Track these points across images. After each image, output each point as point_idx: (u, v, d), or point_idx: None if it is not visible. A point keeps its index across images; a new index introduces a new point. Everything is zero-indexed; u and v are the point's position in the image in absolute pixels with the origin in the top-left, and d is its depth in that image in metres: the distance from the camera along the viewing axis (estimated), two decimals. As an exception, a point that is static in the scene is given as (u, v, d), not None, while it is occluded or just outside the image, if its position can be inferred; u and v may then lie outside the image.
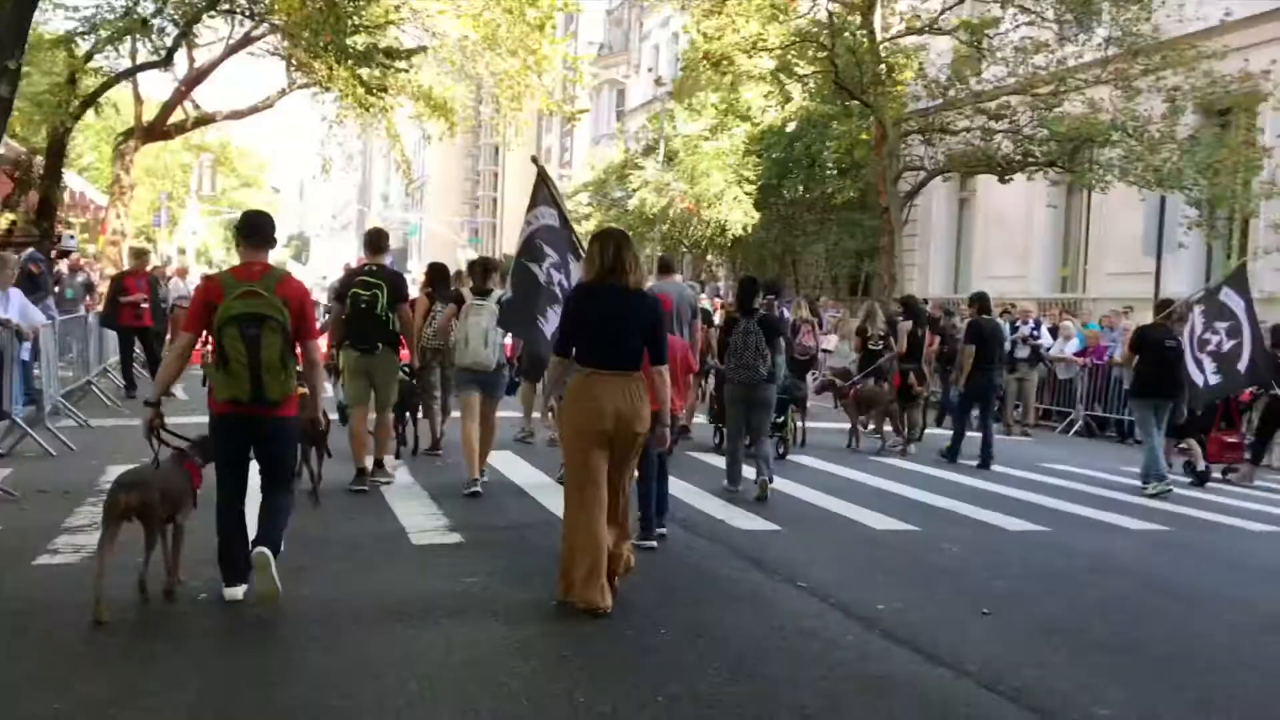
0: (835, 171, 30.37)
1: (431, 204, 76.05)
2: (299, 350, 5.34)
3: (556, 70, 26.34)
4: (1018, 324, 17.02)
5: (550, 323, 7.35)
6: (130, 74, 21.42)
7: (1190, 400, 11.36)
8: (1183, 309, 11.66)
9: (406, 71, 21.56)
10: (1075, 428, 17.11)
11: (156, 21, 19.83)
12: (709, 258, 34.02)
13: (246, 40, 23.90)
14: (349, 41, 19.03)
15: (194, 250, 47.91)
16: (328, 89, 21.32)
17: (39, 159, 20.26)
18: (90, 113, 22.07)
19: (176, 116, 25.69)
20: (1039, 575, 6.99)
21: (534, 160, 9.18)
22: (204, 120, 26.59)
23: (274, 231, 5.63)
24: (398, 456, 10.03)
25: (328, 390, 9.75)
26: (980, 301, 12.44)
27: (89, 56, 20.09)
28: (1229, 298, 11.18)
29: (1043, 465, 12.70)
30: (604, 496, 5.44)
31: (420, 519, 7.63)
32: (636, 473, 6.07)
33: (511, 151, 72.77)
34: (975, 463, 11.88)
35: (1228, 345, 10.93)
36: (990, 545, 7.78)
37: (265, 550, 5.21)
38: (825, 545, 7.42)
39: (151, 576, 5.33)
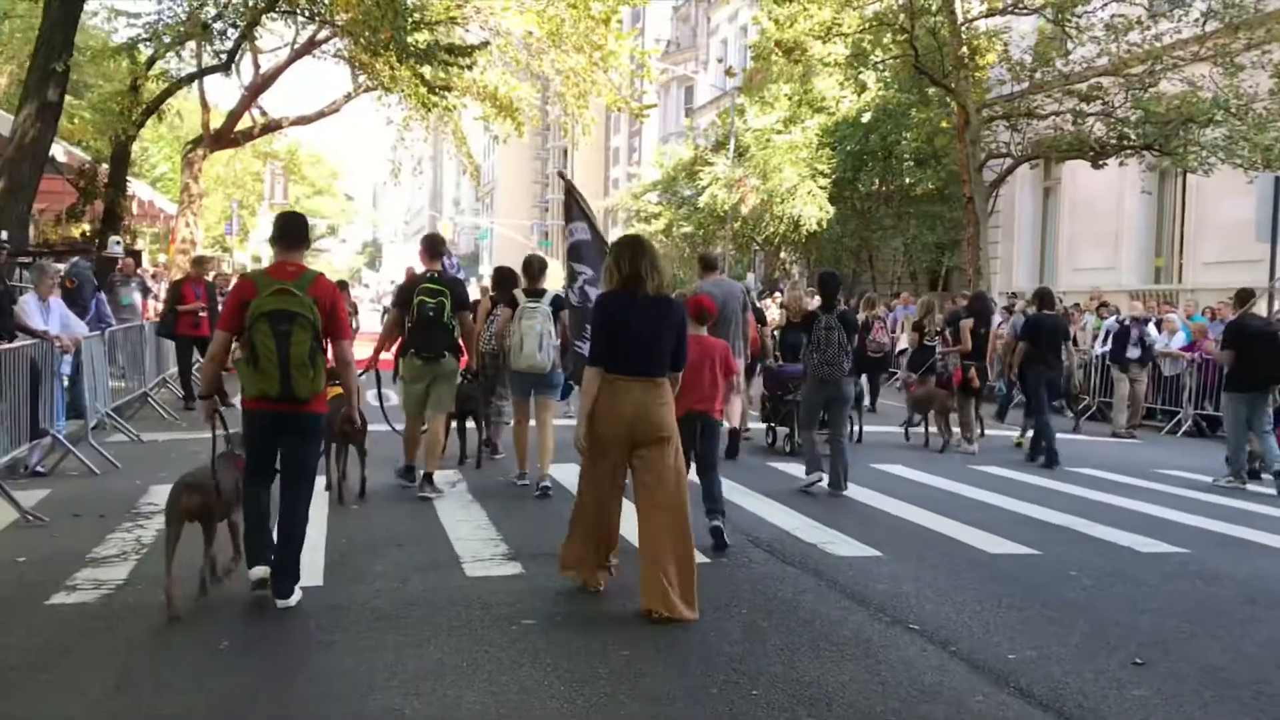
0: (912, 162, 29.22)
1: (501, 208, 75.91)
2: (330, 350, 5.49)
3: (624, 66, 25.54)
4: (1125, 322, 15.70)
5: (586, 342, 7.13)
6: (192, 79, 21.08)
7: None
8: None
9: (470, 69, 20.80)
10: (1184, 427, 15.83)
11: (217, 25, 19.43)
12: (782, 254, 32.92)
13: (311, 44, 23.55)
14: (410, 39, 18.38)
15: (268, 259, 48.00)
16: (390, 90, 20.75)
17: (104, 167, 19.94)
18: (161, 123, 21.80)
19: (244, 123, 25.55)
20: (1189, 610, 5.95)
21: (561, 175, 9.15)
22: (271, 126, 26.35)
23: (308, 233, 5.74)
24: (461, 462, 9.87)
25: (391, 398, 9.61)
26: (1041, 297, 12.18)
27: (151, 63, 19.76)
28: None
29: (1157, 471, 11.58)
30: (617, 498, 5.64)
31: (476, 545, 6.84)
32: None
33: (580, 151, 72.61)
34: (1040, 461, 11.45)
35: None
36: (1123, 571, 6.75)
37: (287, 602, 5.38)
38: (935, 575, 6.45)
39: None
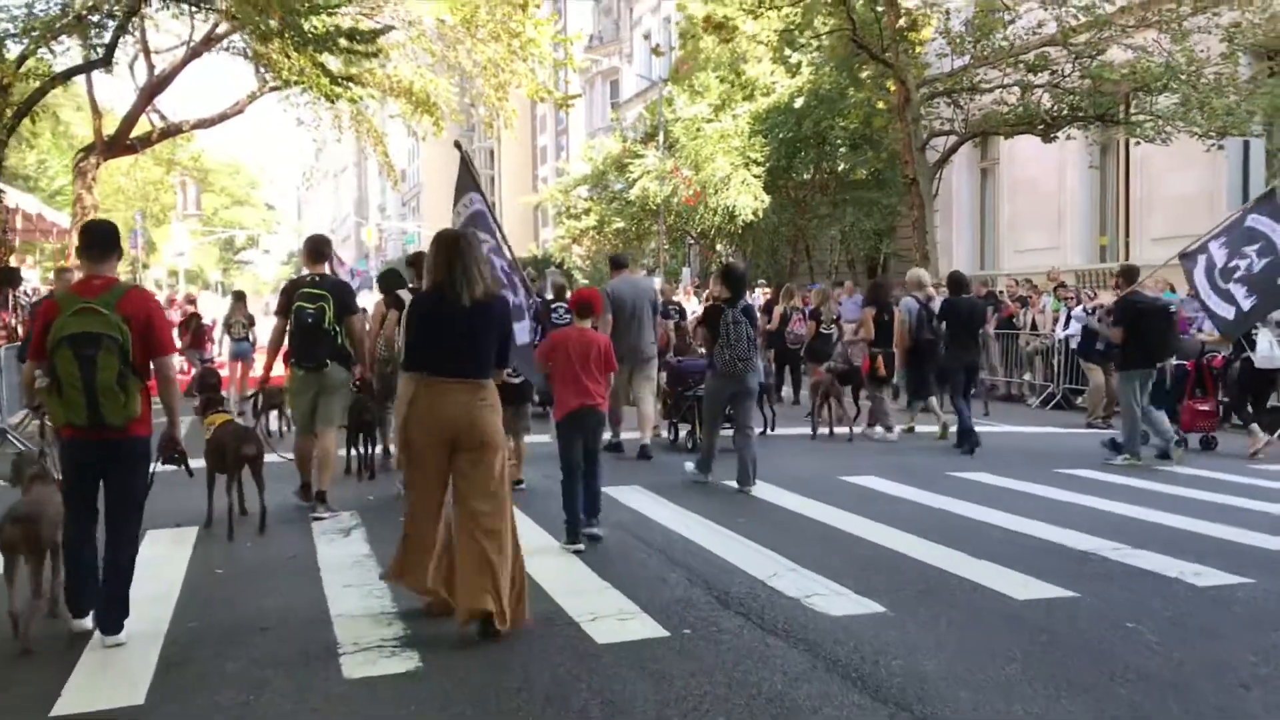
0: (847, 148, 27.94)
1: (428, 211, 73.68)
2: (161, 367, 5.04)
3: (545, 54, 23.88)
4: (1093, 312, 14.37)
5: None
6: (68, 76, 19.02)
7: (1225, 329, 10.66)
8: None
9: (374, 56, 18.99)
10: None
11: (94, 17, 17.43)
12: (718, 247, 31.46)
13: (209, 41, 21.58)
14: (304, 24, 16.52)
15: (184, 273, 45.49)
16: (290, 83, 18.85)
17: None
18: (35, 125, 19.65)
19: (142, 128, 23.49)
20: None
21: (457, 145, 8.44)
22: (170, 131, 24.34)
23: (118, 241, 5.17)
24: (359, 478, 9.28)
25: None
26: (956, 282, 11.96)
27: (21, 60, 17.65)
28: (1258, 222, 10.14)
29: (1160, 470, 10.19)
30: (441, 503, 5.19)
31: (363, 624, 5.19)
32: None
33: (506, 149, 70.65)
34: (961, 450, 10.98)
35: (1260, 264, 9.97)
36: (1188, 617, 5.26)
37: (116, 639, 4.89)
38: (960, 639, 4.91)
39: None
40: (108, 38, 17.99)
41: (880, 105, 23.86)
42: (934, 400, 12.39)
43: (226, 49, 22.33)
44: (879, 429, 12.19)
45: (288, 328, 7.78)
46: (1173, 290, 14.69)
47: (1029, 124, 19.29)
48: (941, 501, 8.30)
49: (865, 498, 8.51)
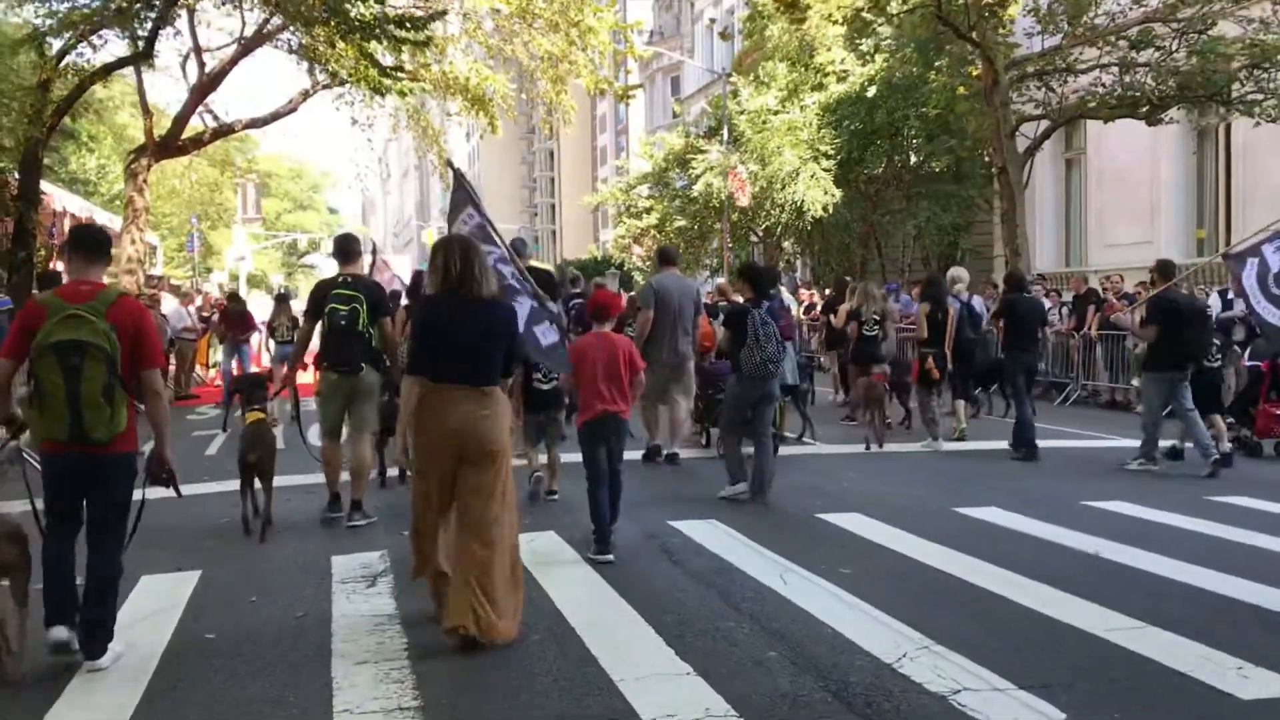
0: (922, 139, 26.28)
1: (490, 214, 72.94)
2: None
3: (605, 44, 22.63)
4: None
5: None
6: (108, 71, 18.10)
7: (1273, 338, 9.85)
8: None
9: (425, 45, 17.84)
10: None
11: (136, 7, 16.48)
12: (785, 245, 29.96)
13: (259, 37, 20.69)
14: (350, 10, 15.40)
15: (245, 277, 45.00)
16: (336, 75, 17.78)
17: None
18: (76, 124, 18.79)
19: (194, 130, 22.70)
20: None
21: (449, 164, 8.91)
22: (223, 131, 23.43)
23: (108, 246, 4.95)
24: (381, 485, 8.72)
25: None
26: (1014, 278, 11.47)
27: (62, 56, 16.76)
28: None
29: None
30: (447, 514, 5.01)
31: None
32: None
33: (565, 150, 69.66)
34: (1017, 455, 10.42)
35: None
36: None
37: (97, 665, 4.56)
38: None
39: None
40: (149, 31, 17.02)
41: (961, 90, 22.20)
42: (962, 404, 12.03)
43: (277, 46, 21.56)
44: (928, 438, 11.23)
45: (318, 329, 7.52)
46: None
47: (1131, 106, 17.56)
48: (1085, 542, 6.80)
49: (990, 536, 7.05)
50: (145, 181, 21.83)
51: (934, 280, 12.37)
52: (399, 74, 18.24)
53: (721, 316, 9.26)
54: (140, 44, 17.31)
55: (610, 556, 6.28)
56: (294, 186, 63.17)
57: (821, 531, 7.20)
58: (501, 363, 5.06)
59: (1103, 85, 18.11)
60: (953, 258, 29.16)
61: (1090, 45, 18.07)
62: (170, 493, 4.86)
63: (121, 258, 21.66)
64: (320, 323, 7.44)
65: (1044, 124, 19.36)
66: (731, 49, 35.96)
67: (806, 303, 24.01)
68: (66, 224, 20.94)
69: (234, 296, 17.63)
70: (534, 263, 10.55)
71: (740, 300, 8.81)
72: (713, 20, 40.23)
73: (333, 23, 15.05)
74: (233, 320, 16.41)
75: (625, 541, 6.75)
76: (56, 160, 31.19)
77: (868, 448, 11.02)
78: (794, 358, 10.98)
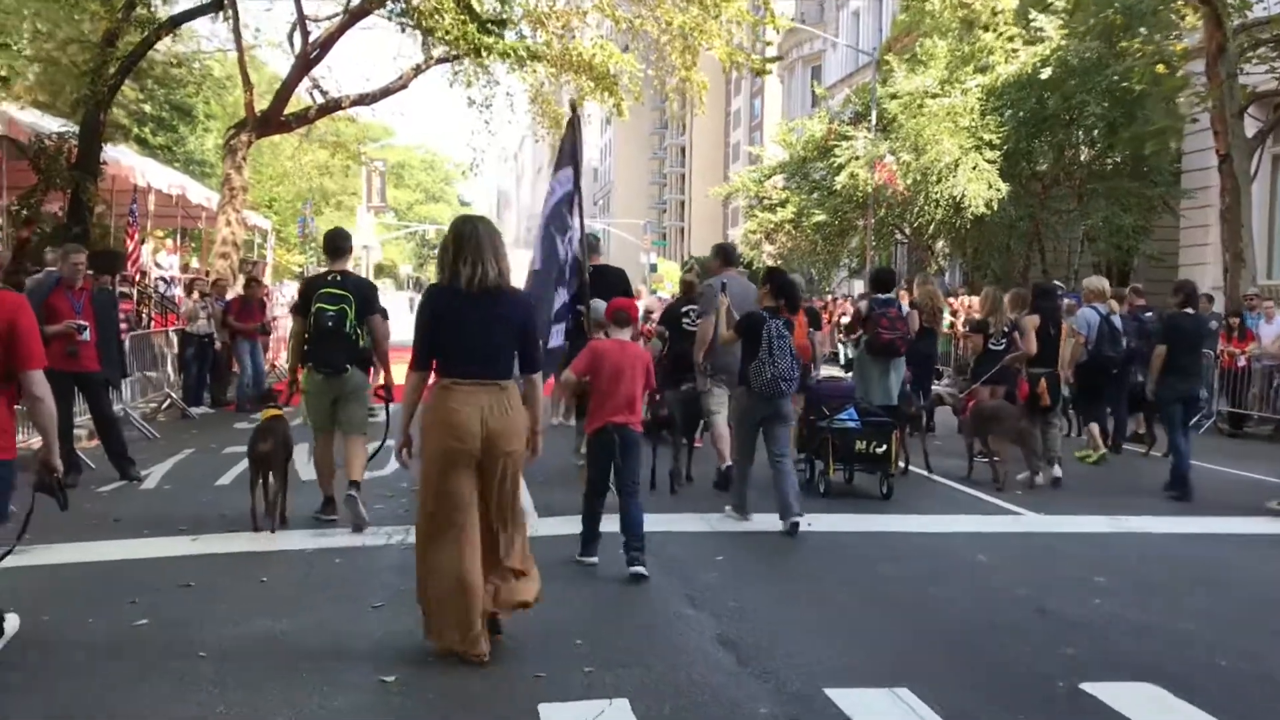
0: (1101, 128, 22.33)
1: (619, 209, 70.59)
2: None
3: (741, 14, 19.58)
4: None
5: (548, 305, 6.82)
6: (176, 23, 15.82)
7: None
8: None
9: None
10: None
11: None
12: (938, 245, 26.32)
13: (364, 9, 18.36)
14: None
15: (372, 266, 43.35)
16: (433, 32, 15.15)
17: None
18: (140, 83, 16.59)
19: (300, 106, 20.62)
20: None
21: (572, 105, 8.20)
22: (329, 108, 21.14)
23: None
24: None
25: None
26: (1185, 292, 9.65)
27: (130, 8, 14.50)
28: None
29: None
30: (470, 529, 4.50)
31: None
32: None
33: (697, 144, 66.68)
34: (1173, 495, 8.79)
35: None
36: None
37: None
38: None
39: None
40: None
41: (1160, 69, 18.36)
42: (1095, 426, 10.85)
43: (386, 17, 19.25)
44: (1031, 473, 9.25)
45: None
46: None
47: None
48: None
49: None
50: (244, 159, 19.75)
51: (1046, 290, 10.91)
52: (499, 28, 15.44)
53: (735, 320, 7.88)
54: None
55: (595, 559, 6.01)
56: (426, 178, 61.76)
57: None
58: (516, 354, 4.67)
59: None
60: (1127, 264, 25.14)
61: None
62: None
63: (216, 239, 19.71)
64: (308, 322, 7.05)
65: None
66: (879, 35, 32.34)
67: (964, 315, 20.51)
68: (151, 200, 18.93)
69: (253, 280, 14.93)
70: (604, 262, 9.40)
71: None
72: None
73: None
74: (249, 310, 13.92)
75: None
76: (172, 139, 29.76)
77: (999, 484, 8.93)
78: (900, 373, 9.66)
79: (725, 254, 9.30)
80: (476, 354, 4.51)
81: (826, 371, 12.08)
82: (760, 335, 7.18)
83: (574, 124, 7.36)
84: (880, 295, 9.81)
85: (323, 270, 7.33)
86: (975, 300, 21.63)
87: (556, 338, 6.64)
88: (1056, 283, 14.32)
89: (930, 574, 6.11)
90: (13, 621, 4.65)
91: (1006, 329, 10.22)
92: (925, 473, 9.45)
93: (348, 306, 6.91)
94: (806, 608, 5.41)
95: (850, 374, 12.12)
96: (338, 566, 6.14)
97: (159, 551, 6.48)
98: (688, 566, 6.17)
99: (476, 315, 4.50)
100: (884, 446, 8.33)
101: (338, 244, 7.34)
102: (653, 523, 7.15)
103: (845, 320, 23.55)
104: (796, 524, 6.97)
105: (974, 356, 10.78)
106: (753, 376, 7.21)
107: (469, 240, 4.49)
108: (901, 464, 9.06)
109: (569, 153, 7.13)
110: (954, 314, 20.79)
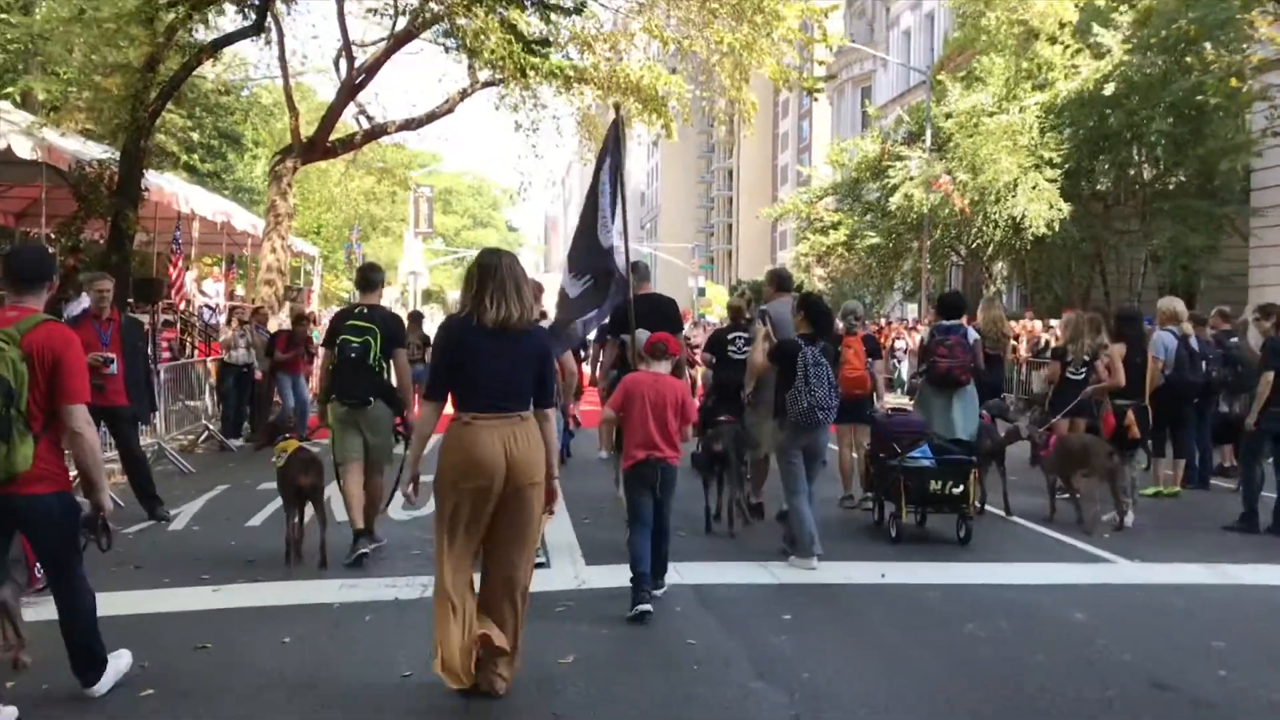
0: (1165, 146, 21.47)
1: (666, 234, 70.16)
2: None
3: (795, 34, 19.08)
4: None
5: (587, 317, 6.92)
6: (217, 47, 15.52)
7: None
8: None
9: (578, 11, 14.61)
10: None
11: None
12: (997, 267, 25.49)
13: (410, 33, 18.10)
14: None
15: (419, 291, 43.21)
16: (478, 54, 14.74)
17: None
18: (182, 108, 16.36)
19: (345, 131, 20.44)
20: None
21: (616, 107, 8.22)
22: (375, 133, 20.92)
23: (47, 269, 4.50)
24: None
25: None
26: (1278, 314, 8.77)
27: (171, 32, 14.23)
28: None
29: None
30: (475, 563, 4.48)
31: None
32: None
33: (744, 168, 66.13)
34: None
35: None
36: None
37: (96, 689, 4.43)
38: None
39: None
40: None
41: (1234, 82, 17.55)
42: (1161, 462, 10.03)
43: (431, 40, 18.99)
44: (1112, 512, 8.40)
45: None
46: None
47: None
48: None
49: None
50: (290, 185, 19.52)
51: (1131, 316, 10.37)
52: (544, 49, 14.99)
53: (767, 348, 7.42)
54: (249, 14, 14.66)
55: (647, 607, 5.62)
56: (474, 203, 61.76)
57: None
58: (533, 386, 4.48)
59: None
60: (1193, 286, 24.13)
61: None
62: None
63: (261, 266, 19.46)
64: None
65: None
66: (931, 54, 31.62)
67: (1025, 339, 19.74)
68: (196, 227, 18.73)
69: (301, 317, 14.44)
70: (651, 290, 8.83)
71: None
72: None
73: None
74: (295, 345, 13.47)
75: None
76: (220, 166, 29.78)
77: (1084, 526, 8.18)
78: (973, 405, 8.82)
79: (779, 280, 8.80)
80: (497, 388, 4.40)
81: (891, 402, 11.32)
82: (795, 363, 6.84)
83: (617, 122, 7.39)
84: (944, 322, 9.13)
85: (352, 304, 7.34)
86: (1037, 324, 20.89)
87: (567, 339, 6.56)
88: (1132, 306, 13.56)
89: (1024, 636, 5.43)
90: (124, 659, 4.63)
91: (1087, 357, 9.53)
92: (1003, 513, 8.71)
93: (372, 339, 6.89)
94: (891, 681, 4.76)
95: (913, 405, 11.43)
96: (367, 625, 5.58)
97: (178, 604, 6.00)
98: (753, 627, 5.54)
99: (497, 350, 4.38)
100: (961, 487, 7.64)
101: (369, 277, 7.51)
102: (712, 573, 6.61)
103: (899, 344, 22.81)
104: (813, 564, 6.75)
105: (1051, 386, 10.12)
106: (789, 406, 6.87)
107: (494, 276, 4.38)
108: (978, 504, 8.36)
109: (611, 159, 7.07)
110: (1015, 339, 19.99)
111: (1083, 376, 9.53)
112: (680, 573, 6.40)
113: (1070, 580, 6.72)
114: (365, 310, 7.15)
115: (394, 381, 7.15)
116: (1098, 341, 9.60)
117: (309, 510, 6.89)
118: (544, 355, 4.58)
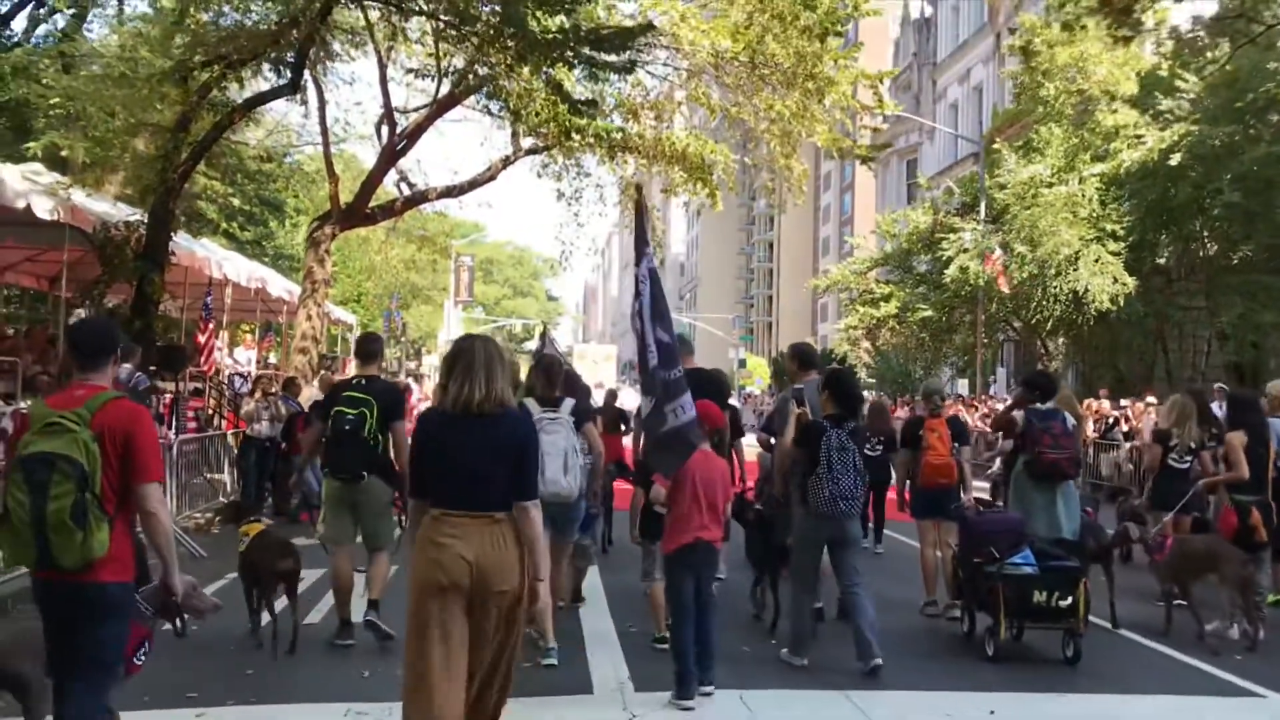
0: (1237, 216, 20.40)
1: (705, 305, 69.52)
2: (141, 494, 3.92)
3: (847, 99, 18.33)
4: None
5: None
6: (250, 106, 14.93)
7: None
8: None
9: (628, 70, 13.87)
10: None
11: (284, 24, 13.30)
12: (1055, 343, 24.33)
13: (453, 98, 17.61)
14: (534, 21, 11.43)
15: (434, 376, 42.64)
16: (521, 116, 14.06)
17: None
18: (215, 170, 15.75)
19: (386, 197, 19.94)
20: None
21: (637, 189, 8.13)
22: (415, 200, 20.39)
23: (112, 343, 4.19)
24: None
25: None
26: None
27: (205, 91, 13.65)
28: None
29: None
30: (456, 665, 3.96)
31: None
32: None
33: (785, 240, 65.59)
34: None
35: None
36: None
37: None
38: None
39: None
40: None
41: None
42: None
43: (473, 107, 18.51)
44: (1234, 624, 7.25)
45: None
46: None
47: None
48: None
49: None
50: (328, 251, 18.90)
51: (1247, 402, 8.98)
52: (590, 109, 14.22)
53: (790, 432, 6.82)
54: (284, 72, 14.07)
55: (692, 704, 5.26)
56: (514, 273, 61.57)
57: None
58: (510, 477, 4.07)
59: None
60: (1261, 365, 22.84)
61: None
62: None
63: (296, 333, 18.80)
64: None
65: None
66: (979, 127, 30.86)
67: (1091, 419, 18.51)
68: (229, 293, 18.10)
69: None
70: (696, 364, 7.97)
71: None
72: (954, 103, 35.20)
73: (507, 35, 11.19)
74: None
75: None
76: (261, 234, 29.42)
77: (1203, 639, 7.01)
78: (1075, 500, 7.79)
79: (802, 357, 7.83)
80: (461, 482, 4.08)
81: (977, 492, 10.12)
82: (819, 447, 6.25)
83: (639, 208, 7.21)
84: (1040, 406, 8.04)
85: (349, 377, 7.13)
86: (1105, 404, 19.66)
87: (685, 412, 5.74)
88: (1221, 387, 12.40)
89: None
90: None
91: (1194, 445, 8.41)
92: (1109, 625, 7.55)
93: (368, 411, 6.57)
94: None
95: (999, 500, 10.25)
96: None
97: (152, 734, 5.03)
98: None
99: (462, 440, 4.06)
100: (1070, 599, 6.52)
101: (367, 348, 7.16)
102: (783, 704, 5.52)
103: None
104: (878, 666, 6.02)
105: (1150, 474, 8.98)
106: (810, 494, 6.33)
107: (460, 358, 4.14)
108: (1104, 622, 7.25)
109: (642, 239, 6.58)
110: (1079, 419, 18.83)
111: (1187, 465, 8.40)
112: (750, 705, 5.34)
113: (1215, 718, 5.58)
114: (362, 381, 6.88)
115: (392, 456, 6.70)
116: (1194, 431, 8.51)
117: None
118: (523, 443, 4.18)
